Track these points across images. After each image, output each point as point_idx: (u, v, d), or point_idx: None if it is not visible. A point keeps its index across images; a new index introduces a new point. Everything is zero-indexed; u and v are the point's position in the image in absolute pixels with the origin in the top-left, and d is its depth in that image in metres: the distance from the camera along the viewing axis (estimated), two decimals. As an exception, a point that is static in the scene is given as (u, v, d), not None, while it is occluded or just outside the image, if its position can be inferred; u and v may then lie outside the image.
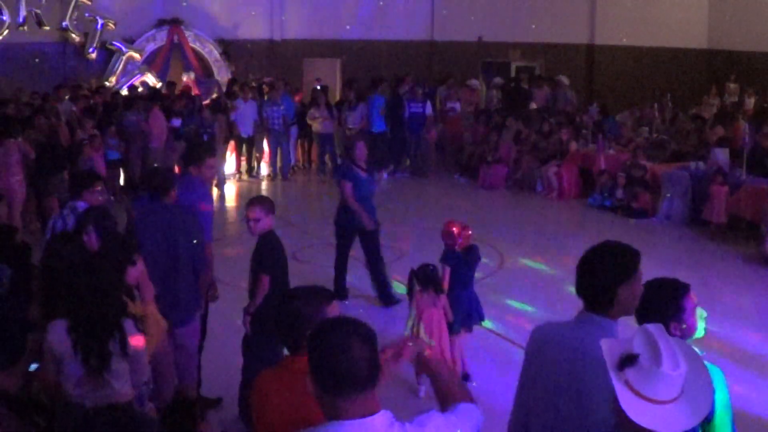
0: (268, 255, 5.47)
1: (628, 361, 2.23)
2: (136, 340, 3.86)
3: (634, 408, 2.20)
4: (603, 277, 2.91)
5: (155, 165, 12.27)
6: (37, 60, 16.43)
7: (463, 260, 6.33)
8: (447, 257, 6.33)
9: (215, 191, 14.36)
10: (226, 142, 15.17)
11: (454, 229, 6.34)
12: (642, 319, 3.03)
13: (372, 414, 2.27)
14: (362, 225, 8.20)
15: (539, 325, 3.20)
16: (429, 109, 15.94)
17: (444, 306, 6.12)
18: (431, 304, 5.99)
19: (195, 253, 5.51)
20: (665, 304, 3.16)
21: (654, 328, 2.29)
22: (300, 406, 2.66)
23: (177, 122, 14.18)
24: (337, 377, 2.24)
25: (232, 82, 16.97)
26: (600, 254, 2.96)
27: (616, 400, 2.32)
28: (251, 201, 5.66)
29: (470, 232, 6.40)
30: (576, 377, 2.86)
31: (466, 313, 6.39)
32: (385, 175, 15.96)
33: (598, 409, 2.70)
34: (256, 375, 3.08)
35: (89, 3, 16.67)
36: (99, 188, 5.75)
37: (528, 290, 8.91)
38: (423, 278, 6.04)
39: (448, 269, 6.26)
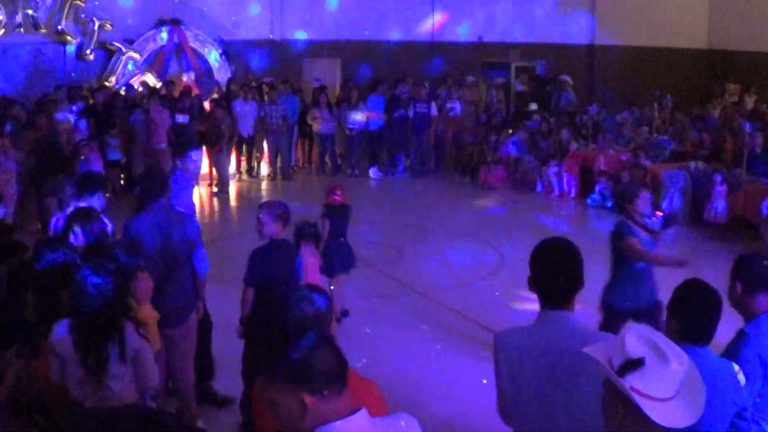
0: (251, 266, 5.49)
1: (632, 366, 2.17)
2: (139, 345, 3.85)
3: (656, 411, 2.15)
4: (578, 271, 2.97)
5: (150, 165, 12.27)
6: (35, 60, 16.40)
7: (339, 214, 7.72)
8: (326, 212, 7.72)
9: (206, 192, 14.39)
10: (229, 142, 15.16)
11: (329, 188, 7.90)
12: (697, 332, 3.13)
13: (358, 410, 2.29)
14: (642, 305, 5.65)
15: (504, 332, 3.11)
16: (434, 110, 15.92)
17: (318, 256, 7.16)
18: (311, 254, 6.79)
19: (194, 254, 5.50)
20: (713, 327, 3.21)
21: (644, 329, 2.26)
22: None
23: (180, 119, 14.13)
24: (327, 375, 2.25)
25: (230, 82, 16.95)
26: (570, 248, 3.01)
27: (606, 405, 2.30)
28: (261, 204, 5.84)
29: (339, 191, 7.79)
30: (566, 379, 2.82)
31: (344, 258, 7.76)
32: (378, 173, 15.97)
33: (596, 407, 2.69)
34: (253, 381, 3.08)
35: (83, 4, 16.61)
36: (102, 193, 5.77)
37: (529, 291, 8.86)
38: (306, 233, 6.89)
39: (327, 222, 7.61)
